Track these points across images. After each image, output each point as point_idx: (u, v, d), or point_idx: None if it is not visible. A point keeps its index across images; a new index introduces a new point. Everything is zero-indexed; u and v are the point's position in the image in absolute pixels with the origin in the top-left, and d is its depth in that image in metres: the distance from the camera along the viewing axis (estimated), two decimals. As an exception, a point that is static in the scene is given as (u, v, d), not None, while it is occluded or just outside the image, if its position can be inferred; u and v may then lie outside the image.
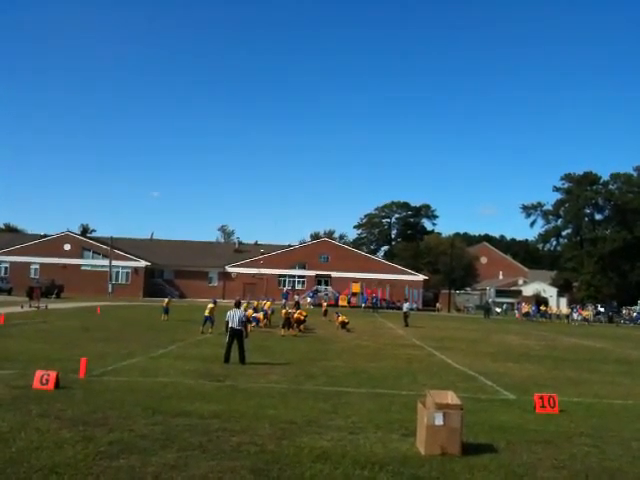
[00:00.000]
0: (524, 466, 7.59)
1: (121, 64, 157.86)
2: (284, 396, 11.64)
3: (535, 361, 20.72)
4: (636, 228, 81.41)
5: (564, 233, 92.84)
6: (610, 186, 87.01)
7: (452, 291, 75.76)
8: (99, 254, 68.95)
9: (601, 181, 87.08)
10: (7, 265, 67.88)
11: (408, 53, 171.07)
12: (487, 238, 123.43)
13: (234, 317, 16.17)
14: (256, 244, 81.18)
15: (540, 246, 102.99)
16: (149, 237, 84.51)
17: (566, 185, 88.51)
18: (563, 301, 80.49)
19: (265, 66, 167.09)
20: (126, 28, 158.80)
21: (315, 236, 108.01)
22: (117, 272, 68.11)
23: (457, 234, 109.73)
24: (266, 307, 32.92)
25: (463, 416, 7.96)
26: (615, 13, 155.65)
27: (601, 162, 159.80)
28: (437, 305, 71.07)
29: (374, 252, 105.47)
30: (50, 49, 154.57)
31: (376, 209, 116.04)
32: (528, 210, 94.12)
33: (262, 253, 72.52)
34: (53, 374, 11.25)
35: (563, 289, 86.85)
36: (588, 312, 61.07)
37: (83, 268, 68.88)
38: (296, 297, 50.04)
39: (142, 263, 69.37)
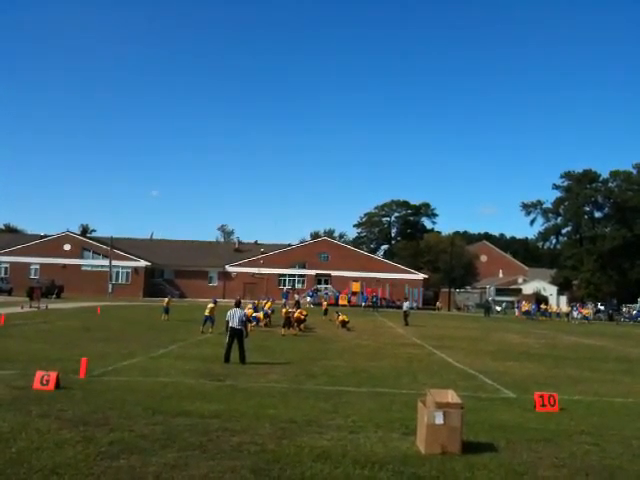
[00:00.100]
0: (524, 465, 7.59)
1: (121, 64, 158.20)
2: (284, 396, 11.65)
3: (535, 359, 20.72)
4: (636, 226, 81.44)
5: (564, 231, 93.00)
6: (610, 184, 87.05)
7: (452, 290, 75.78)
8: (99, 254, 68.91)
9: (601, 179, 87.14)
10: (7, 265, 67.87)
11: (408, 53, 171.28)
12: (487, 236, 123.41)
13: (234, 317, 16.17)
14: (256, 243, 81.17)
15: (540, 244, 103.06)
16: (149, 237, 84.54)
17: (566, 183, 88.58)
18: (563, 299, 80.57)
19: (265, 66, 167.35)
20: (126, 28, 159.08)
21: (315, 235, 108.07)
22: (117, 272, 68.07)
23: (457, 232, 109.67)
24: (266, 307, 32.93)
25: (463, 415, 7.97)
26: (614, 13, 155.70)
27: (601, 160, 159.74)
28: (437, 304, 71.11)
29: (374, 251, 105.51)
30: (50, 49, 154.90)
31: (376, 208, 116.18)
32: (528, 208, 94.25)
33: (262, 252, 72.54)
34: (53, 374, 11.25)
35: (563, 287, 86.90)
36: (588, 310, 61.10)
37: (83, 268, 68.93)
38: (296, 296, 50.06)
39: (142, 263, 69.38)
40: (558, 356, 22.49)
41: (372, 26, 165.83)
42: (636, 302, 70.29)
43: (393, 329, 33.70)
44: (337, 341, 24.58)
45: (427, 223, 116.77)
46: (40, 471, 6.53)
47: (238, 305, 16.84)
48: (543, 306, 64.36)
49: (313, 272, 70.99)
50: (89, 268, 68.92)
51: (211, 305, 25.59)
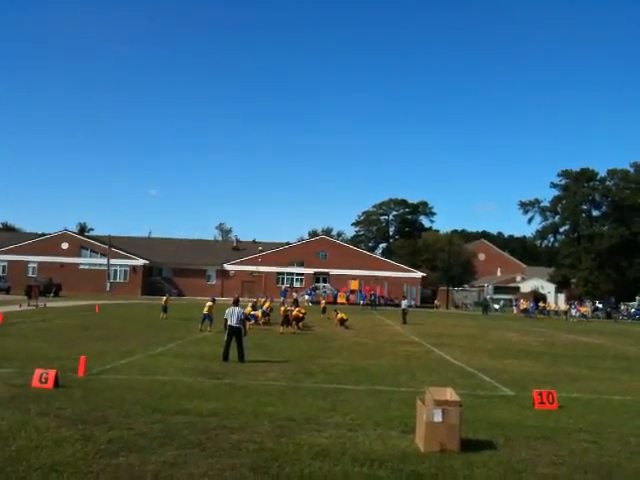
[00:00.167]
0: (523, 462, 7.60)
1: (121, 64, 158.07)
2: (283, 394, 11.65)
3: (534, 357, 20.75)
4: (633, 224, 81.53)
5: (562, 229, 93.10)
6: (607, 182, 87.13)
7: (450, 288, 75.87)
8: (97, 253, 68.85)
9: (598, 177, 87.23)
10: (5, 264, 67.73)
11: (408, 53, 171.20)
12: (485, 235, 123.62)
13: (233, 315, 16.16)
14: (254, 242, 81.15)
15: (538, 243, 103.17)
16: (147, 235, 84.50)
17: (563, 181, 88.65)
18: (561, 297, 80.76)
19: (265, 66, 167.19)
20: (126, 28, 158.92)
21: (313, 234, 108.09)
22: (115, 270, 68.02)
23: (455, 231, 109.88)
24: (265, 307, 32.93)
25: (462, 413, 7.98)
26: (614, 13, 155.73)
27: (598, 158, 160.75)
28: (435, 302, 71.20)
29: (372, 249, 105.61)
30: (50, 49, 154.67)
31: (374, 206, 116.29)
32: (526, 207, 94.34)
33: (260, 251, 72.52)
34: (52, 373, 11.24)
35: (561, 285, 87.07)
36: (586, 308, 61.23)
37: (81, 267, 68.85)
38: (294, 295, 50.09)
39: (140, 261, 69.32)
40: (556, 354, 22.52)
41: (372, 26, 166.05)
42: (634, 300, 70.49)
43: (391, 327, 33.72)
44: (335, 339, 24.59)
45: (425, 221, 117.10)
46: (39, 469, 6.52)
47: (237, 303, 16.82)
48: (541, 304, 64.46)
49: (311, 270, 70.99)
50: (87, 267, 68.86)
51: (209, 303, 25.59)
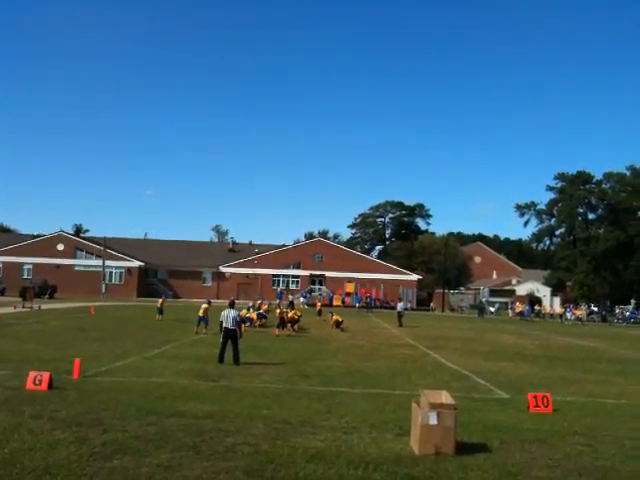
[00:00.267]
0: (518, 465, 7.61)
1: (121, 64, 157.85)
2: (278, 396, 11.64)
3: (529, 360, 20.77)
4: (629, 227, 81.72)
5: (557, 232, 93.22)
6: (603, 185, 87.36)
7: (446, 291, 75.88)
8: (92, 254, 68.66)
9: (594, 180, 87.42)
10: (0, 265, 67.56)
11: (407, 53, 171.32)
12: (481, 237, 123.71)
13: (228, 317, 16.15)
14: (250, 244, 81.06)
15: (534, 245, 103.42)
16: (143, 237, 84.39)
17: (559, 184, 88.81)
18: (557, 300, 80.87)
19: (265, 66, 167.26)
20: (126, 28, 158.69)
21: (309, 236, 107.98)
22: (111, 272, 67.82)
23: (451, 233, 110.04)
24: (262, 309, 32.90)
25: (457, 415, 7.98)
26: (613, 13, 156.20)
27: (594, 161, 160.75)
28: (431, 305, 71.20)
29: (368, 252, 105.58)
30: (50, 49, 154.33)
31: (370, 209, 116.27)
32: (522, 209, 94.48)
33: (256, 253, 72.45)
34: (46, 375, 11.21)
35: (556, 288, 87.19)
36: (581, 311, 61.26)
37: (76, 268, 68.63)
38: (290, 297, 50.05)
39: (136, 263, 69.16)
40: (552, 357, 22.55)
41: (372, 26, 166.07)
42: (629, 303, 70.57)
43: (387, 330, 33.72)
44: (331, 342, 24.58)
45: (421, 224, 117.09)
46: (33, 472, 6.50)
47: (232, 306, 16.81)
48: (537, 307, 64.55)
49: (307, 273, 70.95)
50: (82, 268, 68.64)
51: (205, 305, 25.54)
